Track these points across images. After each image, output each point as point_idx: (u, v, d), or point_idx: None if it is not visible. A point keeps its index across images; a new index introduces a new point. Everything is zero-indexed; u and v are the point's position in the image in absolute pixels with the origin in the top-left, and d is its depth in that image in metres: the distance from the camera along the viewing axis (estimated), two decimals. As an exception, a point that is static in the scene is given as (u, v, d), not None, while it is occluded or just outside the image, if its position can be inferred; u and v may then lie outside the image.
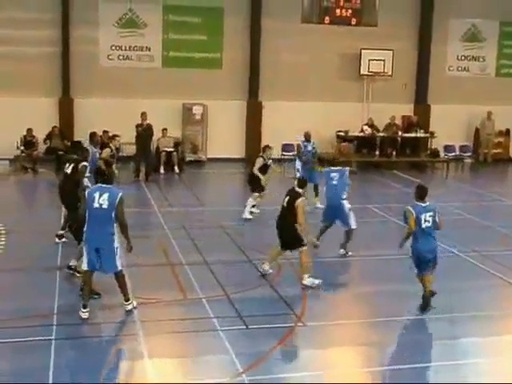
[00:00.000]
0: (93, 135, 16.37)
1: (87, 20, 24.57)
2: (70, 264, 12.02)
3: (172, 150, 23.74)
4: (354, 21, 26.67)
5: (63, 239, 13.93)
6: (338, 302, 11.90)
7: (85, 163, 13.32)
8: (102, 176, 10.72)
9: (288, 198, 12.10)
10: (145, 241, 14.00)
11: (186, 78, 25.08)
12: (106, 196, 10.13)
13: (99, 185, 10.47)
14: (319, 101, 25.87)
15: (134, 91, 24.59)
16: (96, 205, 10.12)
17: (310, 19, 26.47)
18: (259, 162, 16.91)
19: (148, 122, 22.12)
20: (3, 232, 14.90)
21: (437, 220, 10.85)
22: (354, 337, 10.30)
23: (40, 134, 23.53)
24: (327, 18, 26.57)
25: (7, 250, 13.71)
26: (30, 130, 23.32)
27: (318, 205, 17.12)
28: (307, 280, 12.00)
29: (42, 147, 23.56)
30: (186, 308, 10.89)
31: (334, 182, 13.98)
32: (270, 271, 12.51)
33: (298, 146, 19.74)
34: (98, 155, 15.88)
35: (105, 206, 10.10)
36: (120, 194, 10.20)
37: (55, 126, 23.92)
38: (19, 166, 22.94)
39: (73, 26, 24.48)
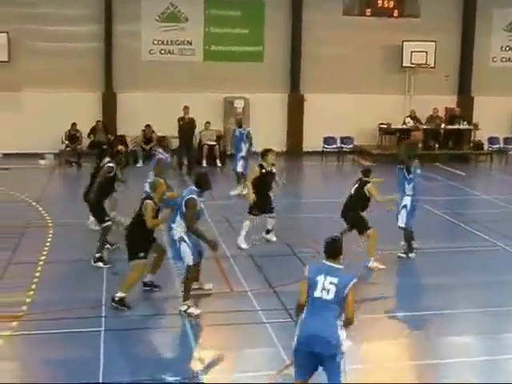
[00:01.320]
0: (161, 140, 16.32)
1: (130, 15, 24.79)
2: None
3: (214, 143, 23.86)
4: (395, 12, 26.48)
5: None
6: (387, 295, 11.80)
7: (110, 164, 12.95)
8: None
9: (357, 185, 12.67)
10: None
11: (228, 72, 25.13)
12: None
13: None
14: (361, 93, 25.71)
15: (175, 85, 24.73)
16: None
17: (352, 11, 26.35)
18: (255, 171, 13.89)
19: (190, 115, 22.24)
20: (50, 225, 15.15)
21: (344, 294, 7.10)
22: (399, 330, 10.29)
23: (84, 129, 23.82)
24: (369, 9, 26.42)
25: (54, 243, 13.90)
26: (74, 125, 23.62)
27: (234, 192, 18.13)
28: (372, 263, 12.35)
29: (85, 141, 23.85)
30: (232, 300, 10.96)
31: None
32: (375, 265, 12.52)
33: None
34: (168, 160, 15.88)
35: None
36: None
37: (99, 121, 24.19)
38: (64, 160, 23.26)
39: (115, 22, 24.72)
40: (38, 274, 11.90)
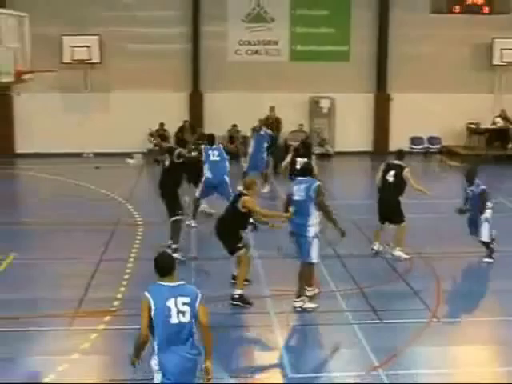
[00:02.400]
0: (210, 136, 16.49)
1: (216, 16, 25.07)
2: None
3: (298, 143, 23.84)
4: (485, 9, 25.84)
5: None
6: (474, 298, 11.61)
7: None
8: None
9: (394, 171, 12.94)
10: (276, 233, 14.13)
11: (313, 72, 25.10)
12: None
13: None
14: (448, 92, 25.25)
15: (261, 85, 24.86)
16: None
17: (440, 9, 25.83)
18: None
19: (276, 115, 22.34)
20: (140, 223, 15.48)
21: (196, 309, 6.40)
22: (489, 335, 10.07)
23: (172, 128, 24.23)
24: (457, 7, 25.81)
25: (144, 240, 14.21)
26: (162, 124, 24.08)
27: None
28: (397, 252, 12.85)
29: (173, 141, 24.21)
30: (319, 301, 10.92)
31: None
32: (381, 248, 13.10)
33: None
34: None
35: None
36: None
37: (186, 120, 24.56)
38: (152, 159, 23.69)
39: (202, 23, 25.05)
40: (128, 271, 12.21)
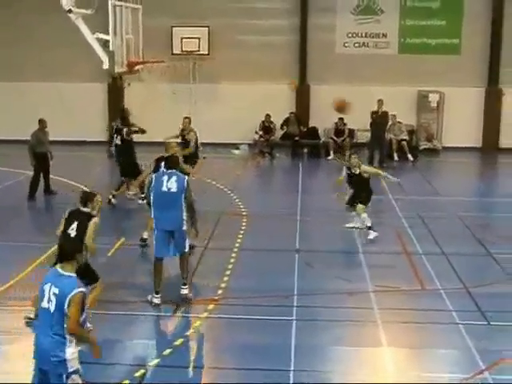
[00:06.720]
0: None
1: (325, 8, 24.85)
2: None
3: (405, 137, 23.45)
4: None
5: None
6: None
7: None
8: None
9: None
10: (380, 228, 14.01)
11: (423, 65, 24.53)
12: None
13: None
14: None
15: (368, 78, 24.50)
16: None
17: (559, 1, 24.79)
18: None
19: (384, 109, 22.04)
20: (244, 213, 15.60)
21: (65, 306, 6.33)
22: None
23: (278, 120, 24.27)
24: None
25: (248, 231, 14.30)
26: (268, 116, 24.13)
27: None
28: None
29: (278, 133, 24.28)
30: (424, 299, 10.74)
31: None
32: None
33: None
34: None
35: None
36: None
37: (292, 112, 24.55)
38: (257, 151, 23.86)
39: (311, 15, 24.89)
40: (232, 261, 12.33)
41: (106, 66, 14.85)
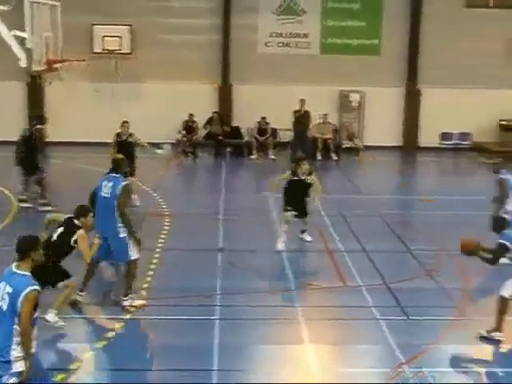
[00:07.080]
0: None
1: (247, 8, 24.90)
2: None
3: (328, 136, 23.74)
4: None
5: None
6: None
7: None
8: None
9: None
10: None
11: (344, 65, 24.89)
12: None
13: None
14: (481, 88, 24.89)
15: (291, 78, 24.68)
16: None
17: (474, 3, 25.52)
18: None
19: (306, 108, 22.26)
20: (167, 213, 15.49)
21: (17, 305, 6.26)
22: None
23: (201, 120, 24.20)
24: (491, 0, 25.53)
25: (171, 231, 14.22)
26: (191, 115, 24.03)
27: None
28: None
29: (201, 132, 24.21)
30: (346, 295, 10.89)
31: None
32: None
33: None
34: None
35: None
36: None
37: (215, 112, 24.52)
38: (180, 150, 23.71)
39: (234, 15, 24.91)
40: (155, 261, 12.22)
41: (23, 64, 14.53)
